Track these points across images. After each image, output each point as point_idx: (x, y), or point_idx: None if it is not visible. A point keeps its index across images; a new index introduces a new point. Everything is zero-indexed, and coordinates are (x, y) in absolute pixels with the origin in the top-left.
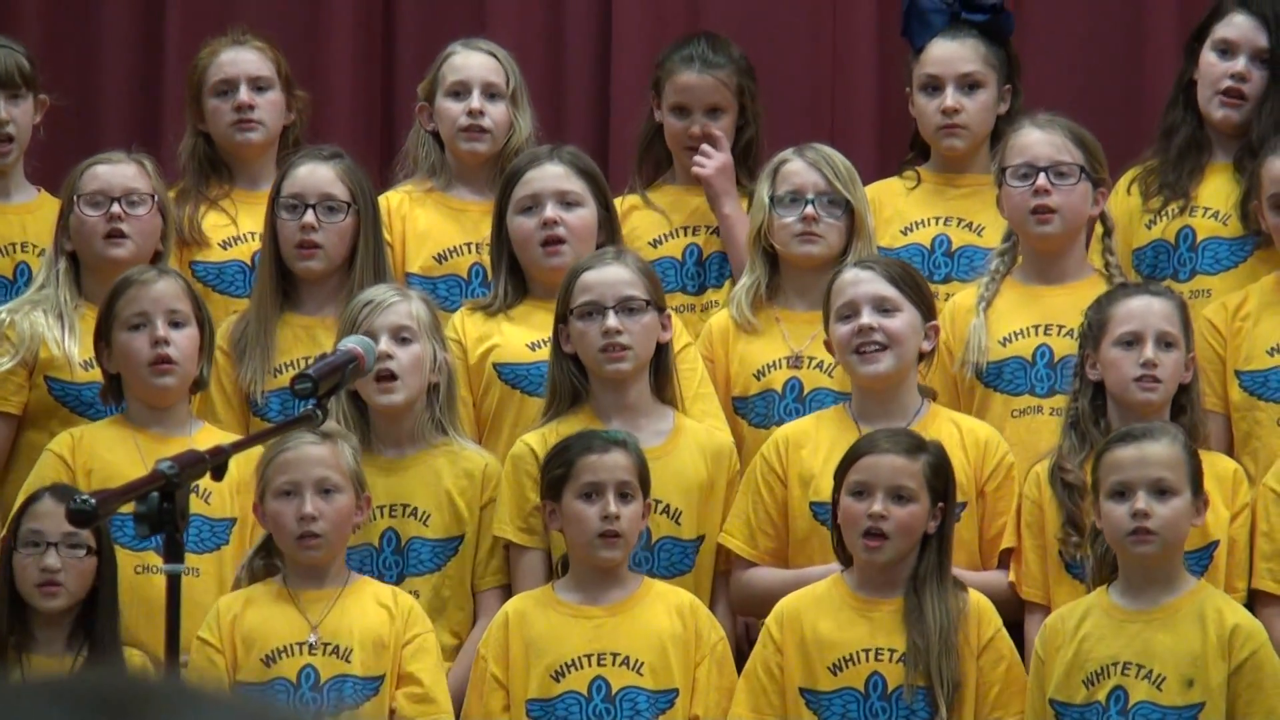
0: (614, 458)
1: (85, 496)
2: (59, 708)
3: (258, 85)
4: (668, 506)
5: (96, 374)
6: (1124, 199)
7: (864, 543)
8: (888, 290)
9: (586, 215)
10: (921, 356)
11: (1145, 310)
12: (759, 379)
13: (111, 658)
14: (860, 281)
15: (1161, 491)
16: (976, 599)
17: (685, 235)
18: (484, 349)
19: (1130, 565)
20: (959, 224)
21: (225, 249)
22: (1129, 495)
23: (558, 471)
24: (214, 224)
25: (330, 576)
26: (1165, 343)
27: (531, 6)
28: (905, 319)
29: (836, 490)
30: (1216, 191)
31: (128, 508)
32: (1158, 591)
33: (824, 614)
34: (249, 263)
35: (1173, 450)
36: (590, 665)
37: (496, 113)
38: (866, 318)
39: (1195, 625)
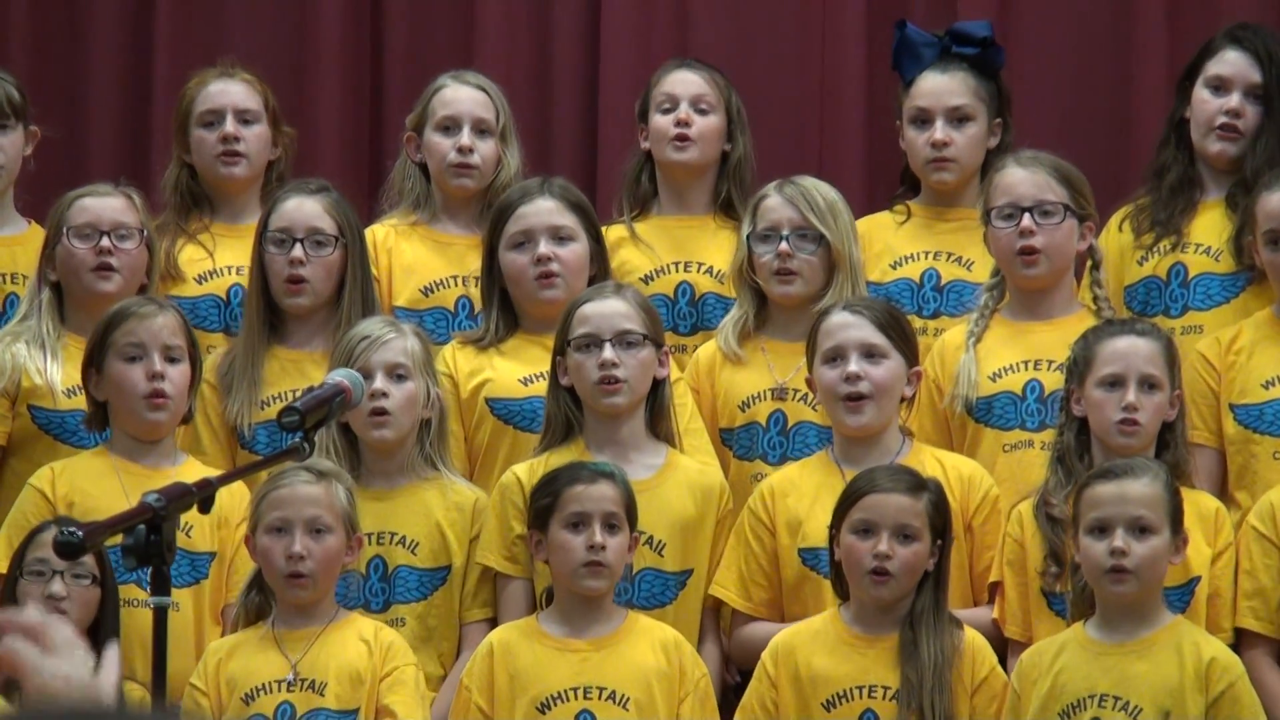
0: (601, 489)
1: (72, 528)
2: None
3: (244, 118)
4: (651, 538)
5: (79, 401)
6: (1116, 236)
7: (870, 579)
8: (876, 338)
9: (579, 249)
10: (902, 400)
11: (1129, 351)
12: (743, 410)
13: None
14: (848, 326)
15: (1141, 529)
16: (972, 637)
17: (678, 271)
18: (476, 383)
19: (1108, 601)
20: (948, 258)
21: (200, 283)
22: (1108, 532)
23: (545, 501)
24: (190, 258)
25: (317, 614)
26: (1148, 384)
27: (519, 37)
28: (891, 367)
29: (835, 527)
30: (1209, 228)
31: (115, 540)
32: (1135, 626)
33: (819, 650)
34: (224, 297)
35: (1153, 489)
36: (576, 699)
37: (485, 149)
38: (854, 365)
39: (1172, 657)
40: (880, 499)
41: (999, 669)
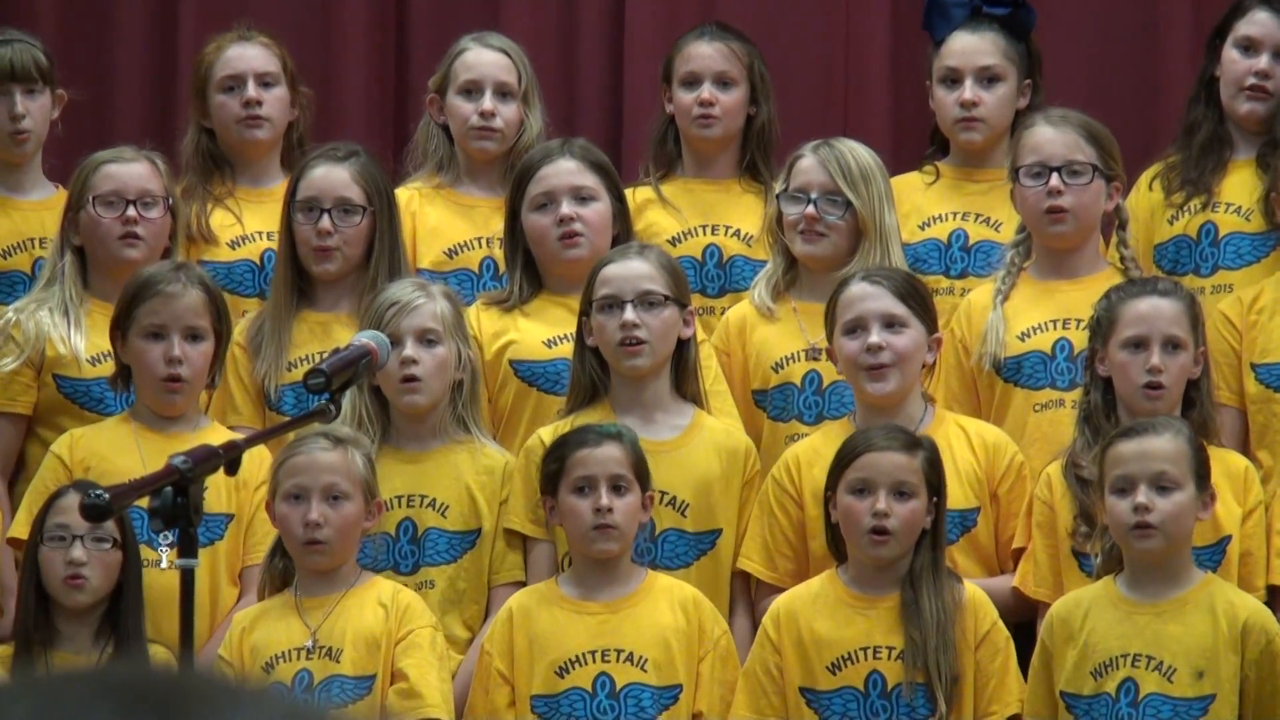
0: (606, 451)
1: (99, 491)
2: (104, 703)
3: (264, 81)
4: (674, 499)
5: (104, 369)
6: (1145, 195)
7: (870, 539)
8: (896, 307)
9: (601, 209)
10: (923, 367)
11: (1152, 313)
12: (777, 372)
13: (136, 653)
14: (868, 297)
15: (1163, 486)
16: (972, 591)
17: (705, 234)
18: (500, 345)
19: (1136, 560)
20: (976, 219)
21: (234, 248)
22: (1131, 490)
23: (553, 467)
24: (220, 223)
25: (338, 580)
26: (1172, 345)
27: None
28: (912, 336)
29: (831, 488)
30: (1239, 187)
31: (142, 502)
32: (1166, 585)
33: (820, 613)
34: (258, 262)
35: (1175, 444)
36: (594, 661)
37: (508, 112)
38: (875, 336)
39: (1205, 617)
40: (876, 457)
41: (1000, 623)
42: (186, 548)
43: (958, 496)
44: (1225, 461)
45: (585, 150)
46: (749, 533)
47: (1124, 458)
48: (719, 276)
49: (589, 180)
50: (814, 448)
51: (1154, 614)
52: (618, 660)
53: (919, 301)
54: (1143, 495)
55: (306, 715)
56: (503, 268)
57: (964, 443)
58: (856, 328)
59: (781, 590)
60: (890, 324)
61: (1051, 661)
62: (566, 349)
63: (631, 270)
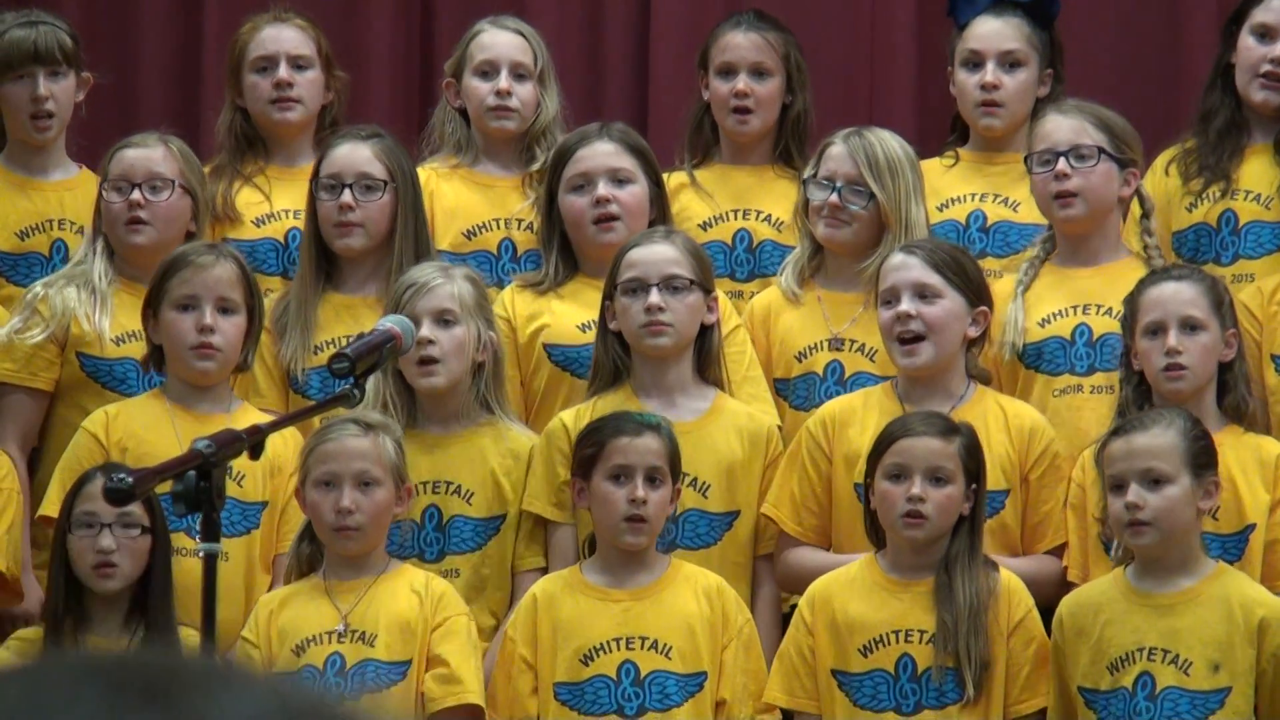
0: (645, 441)
1: (122, 475)
2: (90, 686)
3: (298, 64)
4: (695, 480)
5: (128, 349)
6: (1162, 180)
7: (904, 522)
8: (929, 277)
9: (638, 192)
10: (974, 343)
11: (1165, 297)
12: (800, 361)
13: (167, 637)
14: (902, 267)
15: (1154, 481)
16: (1008, 579)
17: (736, 219)
18: (534, 328)
19: (1141, 554)
20: (994, 199)
21: (259, 226)
22: (1124, 487)
23: (589, 451)
24: (248, 201)
25: (368, 566)
26: (1190, 327)
27: None
28: (947, 306)
29: (869, 474)
30: (1258, 174)
31: (165, 487)
32: (1176, 576)
33: (855, 596)
34: (282, 240)
35: (1164, 438)
36: (619, 649)
37: (524, 92)
38: (905, 304)
39: (1219, 609)
40: (911, 443)
41: (1035, 612)
42: (209, 532)
43: (988, 479)
44: (1258, 448)
45: (624, 133)
46: (777, 481)
47: (1114, 456)
48: (748, 261)
49: (626, 163)
50: (851, 407)
51: (1166, 606)
52: (642, 648)
53: (958, 272)
54: (1133, 493)
55: (298, 700)
56: (521, 249)
57: (1001, 424)
58: (890, 299)
59: (802, 545)
60: (923, 294)
61: (1064, 658)
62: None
63: (657, 254)
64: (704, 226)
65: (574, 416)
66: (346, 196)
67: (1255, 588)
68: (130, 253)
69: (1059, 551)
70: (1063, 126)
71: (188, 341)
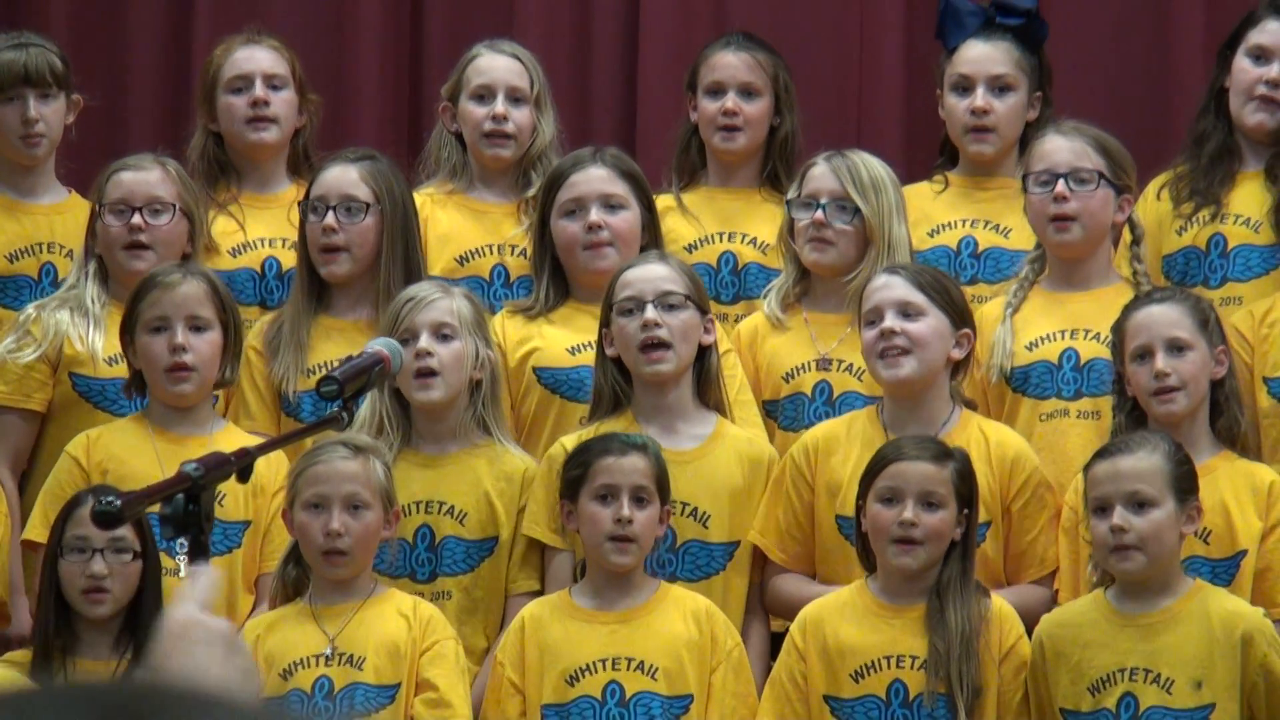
0: (631, 461)
1: (110, 498)
2: (79, 713)
3: (272, 83)
4: (695, 510)
5: (120, 370)
6: (1154, 205)
7: (896, 548)
8: (913, 295)
9: (630, 218)
10: (958, 367)
11: (1149, 320)
12: (788, 382)
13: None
14: (886, 287)
15: (1140, 504)
16: (999, 605)
17: (721, 241)
18: (524, 352)
19: (1123, 577)
20: (985, 225)
21: (235, 256)
22: (1108, 510)
23: (575, 472)
24: (223, 230)
25: (355, 589)
26: (1176, 348)
27: (559, 7)
28: (930, 324)
29: (862, 497)
30: (1248, 198)
31: (153, 509)
32: (1156, 596)
33: (846, 621)
34: (259, 270)
35: (1149, 461)
36: (605, 670)
37: (520, 117)
38: (889, 321)
39: (1198, 626)
40: (905, 467)
41: (1026, 638)
42: (198, 555)
43: None
44: (1251, 474)
45: (617, 159)
46: (763, 508)
47: (1099, 478)
48: (733, 283)
49: (619, 188)
50: (835, 436)
51: (1146, 625)
52: (628, 669)
53: (940, 292)
54: (1118, 516)
55: None
56: (514, 275)
57: (983, 453)
58: (874, 318)
59: (788, 572)
60: (906, 312)
61: (1043, 679)
62: (589, 356)
63: (652, 273)
64: (689, 249)
65: (576, 442)
66: (330, 218)
67: (1234, 600)
68: (130, 278)
69: (1045, 581)
70: (1063, 148)
71: (162, 363)
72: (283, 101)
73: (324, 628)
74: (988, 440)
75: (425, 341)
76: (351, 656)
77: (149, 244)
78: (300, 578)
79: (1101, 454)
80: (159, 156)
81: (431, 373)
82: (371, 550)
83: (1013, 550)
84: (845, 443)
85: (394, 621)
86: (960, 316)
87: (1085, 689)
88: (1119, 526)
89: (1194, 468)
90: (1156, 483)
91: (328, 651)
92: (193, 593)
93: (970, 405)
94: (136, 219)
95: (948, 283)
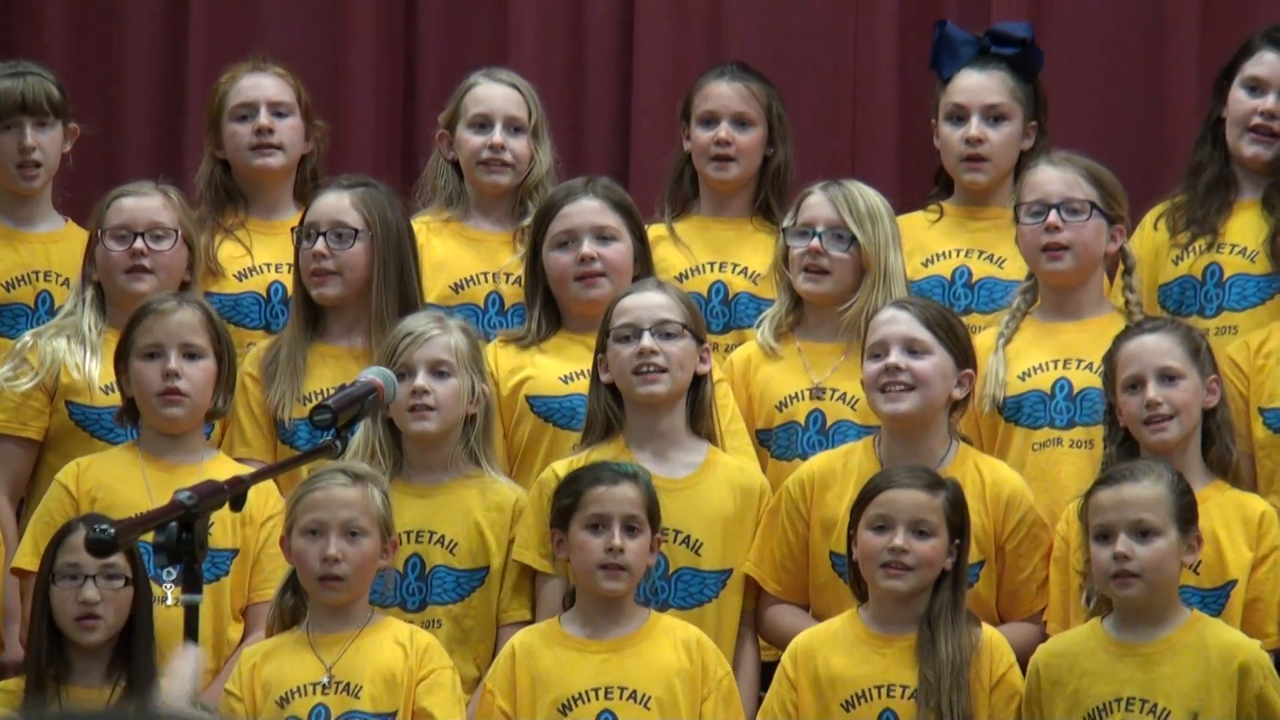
0: (622, 490)
1: (104, 525)
2: None
3: (278, 110)
4: (688, 538)
5: (117, 398)
6: (1150, 234)
7: (884, 571)
8: (919, 332)
9: (622, 249)
10: (957, 405)
11: (1141, 350)
12: (781, 410)
13: (149, 688)
14: (892, 321)
15: (1144, 532)
16: (990, 634)
17: (713, 271)
18: (516, 380)
19: (1121, 605)
20: (980, 256)
21: (240, 280)
22: (1111, 538)
23: (566, 501)
24: (229, 254)
25: (352, 618)
26: (1168, 377)
27: (553, 35)
28: (934, 362)
29: (853, 526)
30: (1245, 228)
31: (146, 537)
32: (1153, 626)
33: (838, 650)
34: (264, 294)
35: (1154, 490)
36: (598, 699)
37: (518, 146)
38: (894, 357)
39: (1195, 657)
40: (896, 494)
41: (1016, 667)
42: (191, 583)
43: None
44: (1242, 505)
45: (609, 190)
46: (758, 540)
47: (1102, 506)
48: (724, 313)
49: (611, 220)
50: (831, 469)
51: (1145, 655)
52: (621, 698)
53: (947, 331)
54: (1122, 544)
55: None
56: (508, 302)
57: (978, 492)
58: (879, 352)
59: (782, 602)
60: (912, 349)
61: (1039, 708)
62: (582, 385)
63: (649, 300)
64: (680, 278)
65: (566, 468)
66: (320, 244)
67: (1231, 632)
68: (130, 301)
69: (1036, 619)
70: (1055, 179)
71: (154, 389)
72: (288, 128)
73: (321, 656)
74: (983, 478)
75: (422, 379)
76: (348, 685)
77: (150, 269)
78: (298, 606)
79: (1104, 481)
80: (160, 184)
81: (428, 408)
82: (369, 577)
83: (1006, 588)
84: (841, 477)
85: (391, 650)
86: (964, 357)
87: (1082, 718)
88: (1122, 554)
89: (1195, 498)
90: (1161, 512)
91: (325, 680)
92: (182, 674)
93: (964, 440)
94: (139, 244)
95: (954, 321)
